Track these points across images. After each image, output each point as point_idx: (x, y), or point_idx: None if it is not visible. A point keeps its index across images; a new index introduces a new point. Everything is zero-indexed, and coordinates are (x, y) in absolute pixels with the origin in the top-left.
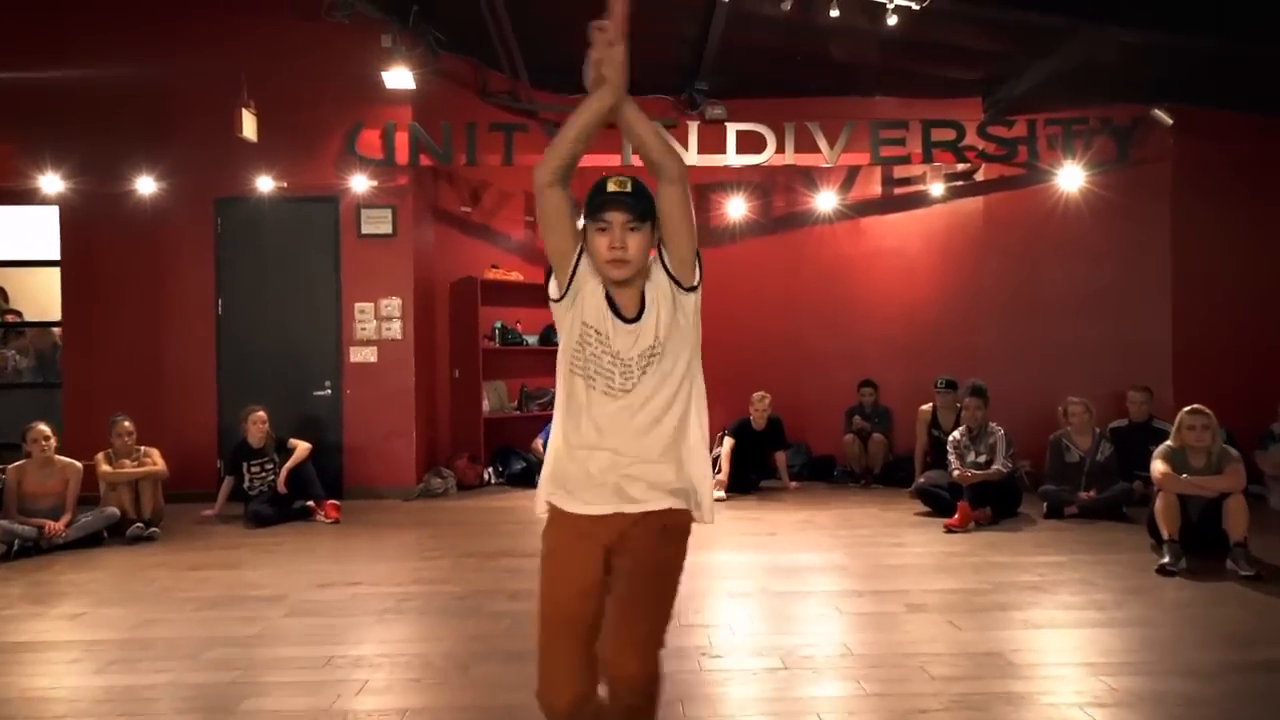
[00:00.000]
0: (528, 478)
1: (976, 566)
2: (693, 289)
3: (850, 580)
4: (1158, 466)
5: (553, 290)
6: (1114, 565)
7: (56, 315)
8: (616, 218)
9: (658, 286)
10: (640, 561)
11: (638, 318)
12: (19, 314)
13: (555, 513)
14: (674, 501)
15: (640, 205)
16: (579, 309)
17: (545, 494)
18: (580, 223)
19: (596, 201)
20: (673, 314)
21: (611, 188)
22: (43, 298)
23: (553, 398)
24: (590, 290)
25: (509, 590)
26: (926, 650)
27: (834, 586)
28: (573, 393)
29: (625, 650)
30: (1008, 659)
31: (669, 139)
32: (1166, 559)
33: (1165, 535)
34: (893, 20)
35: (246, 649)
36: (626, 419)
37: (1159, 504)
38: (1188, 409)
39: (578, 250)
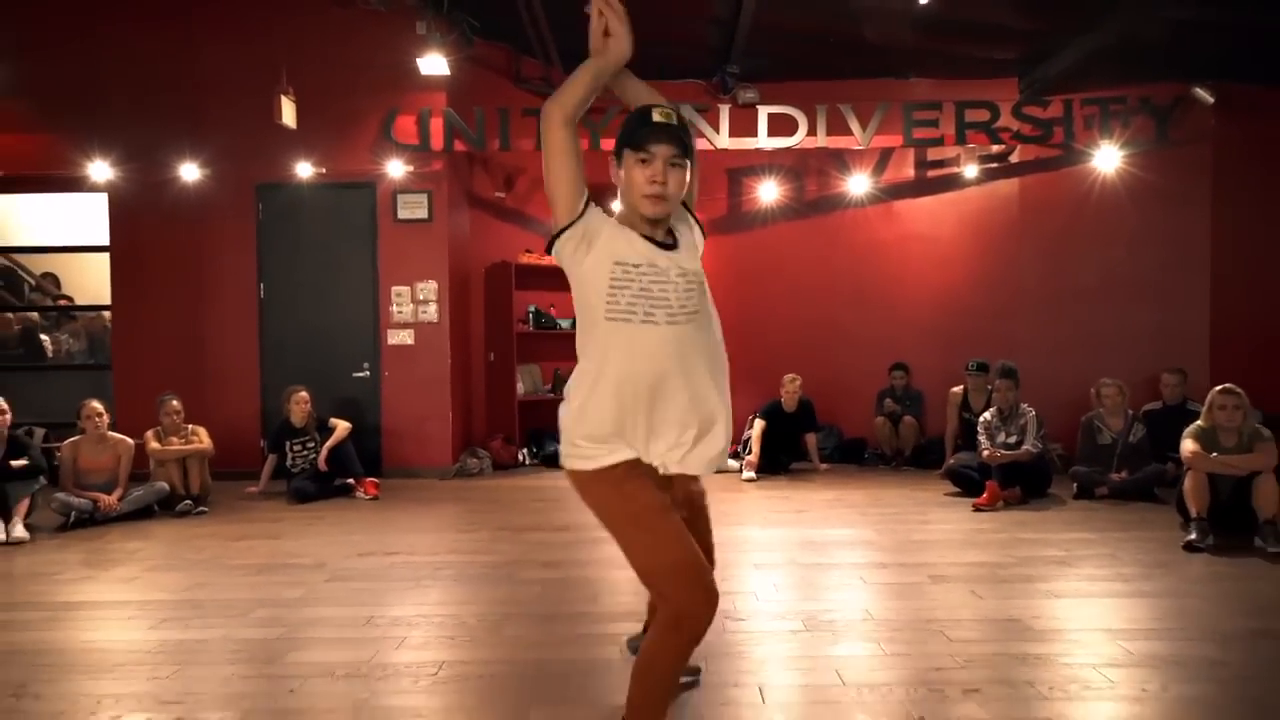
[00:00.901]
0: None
1: (1003, 542)
2: (701, 227)
3: (876, 554)
4: (1188, 445)
5: (562, 215)
6: (1141, 542)
7: (107, 299)
8: (662, 150)
9: (685, 223)
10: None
11: (673, 247)
12: (70, 299)
13: (602, 474)
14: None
15: (687, 139)
16: (602, 250)
17: (578, 464)
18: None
19: (642, 132)
20: (696, 254)
21: (658, 118)
22: (93, 283)
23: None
24: (609, 234)
25: (541, 560)
26: (947, 616)
27: (859, 559)
28: (613, 343)
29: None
30: (1027, 624)
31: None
32: (1193, 535)
33: (1193, 513)
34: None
35: (291, 609)
36: (699, 342)
37: (1188, 482)
38: (1219, 388)
39: (584, 196)
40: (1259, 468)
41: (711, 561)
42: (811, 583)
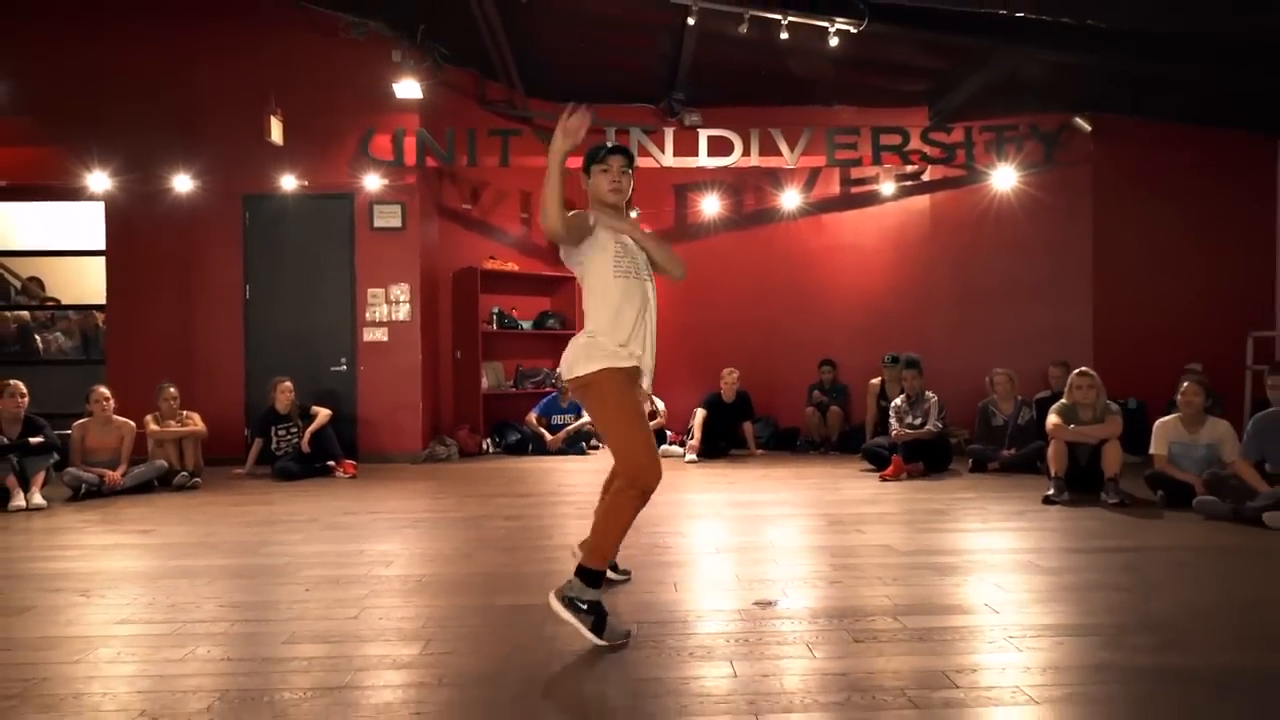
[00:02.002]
0: (522, 448)
1: (897, 500)
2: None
3: (790, 509)
4: (1051, 419)
5: (581, 239)
6: (1012, 500)
7: (94, 299)
8: (616, 161)
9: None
10: None
11: None
12: (56, 300)
13: (619, 372)
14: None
15: (631, 156)
16: (602, 234)
17: (608, 363)
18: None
19: (601, 153)
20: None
21: (610, 145)
22: (78, 284)
23: (545, 377)
24: (603, 224)
25: (504, 514)
26: (832, 544)
27: (773, 512)
28: (614, 292)
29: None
30: (893, 548)
31: (671, 252)
32: (1051, 491)
33: (1053, 473)
34: (834, 42)
35: (294, 547)
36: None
37: (1050, 449)
38: (1077, 371)
39: (589, 224)
40: (1106, 435)
41: None
42: (729, 526)
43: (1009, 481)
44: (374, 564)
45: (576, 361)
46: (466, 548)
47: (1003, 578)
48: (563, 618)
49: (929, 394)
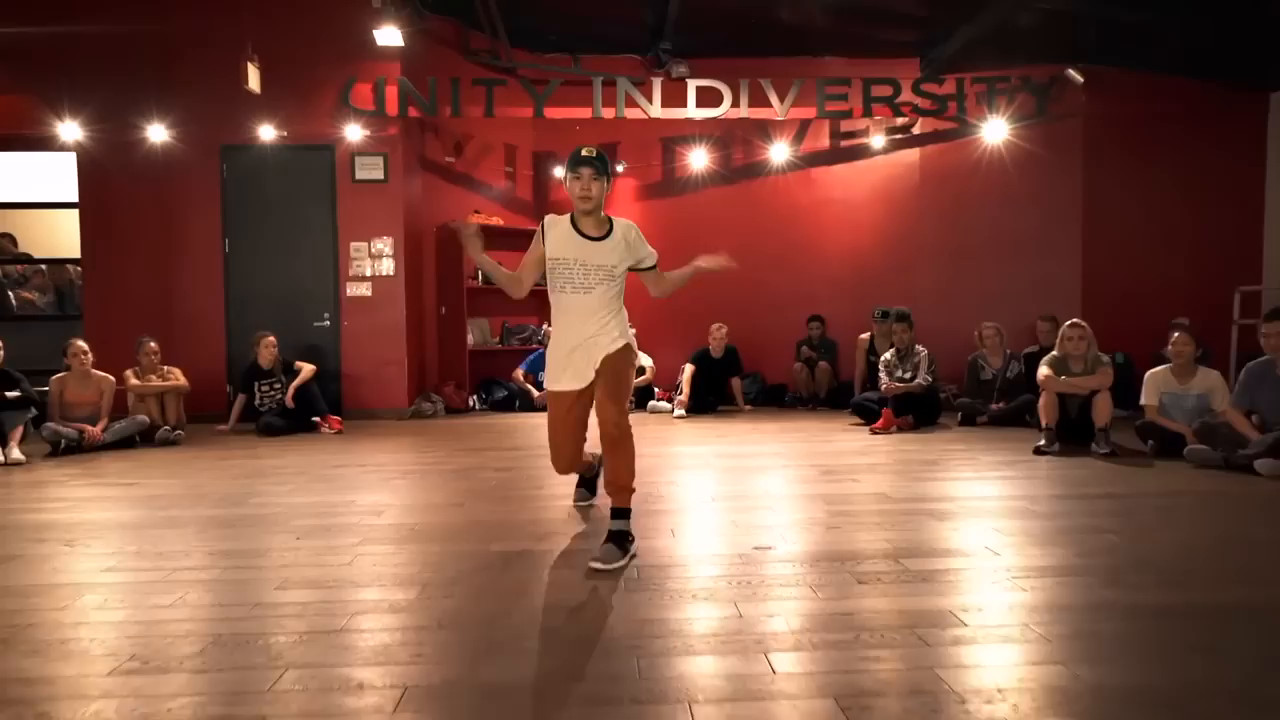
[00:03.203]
0: (509, 404)
1: (888, 452)
2: (632, 269)
3: (780, 460)
4: (1042, 370)
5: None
6: (1002, 451)
7: (67, 253)
8: (586, 171)
9: (624, 247)
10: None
11: (603, 238)
12: (28, 256)
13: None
14: (621, 342)
15: (601, 166)
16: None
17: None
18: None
19: (573, 162)
20: (624, 263)
21: (584, 154)
22: (51, 238)
23: (532, 333)
24: (553, 238)
25: (495, 467)
26: (826, 492)
27: (765, 464)
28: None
29: (606, 405)
30: (888, 496)
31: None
32: (1042, 442)
33: (1044, 424)
34: None
35: (283, 498)
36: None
37: (1041, 400)
38: (1069, 323)
39: (541, 251)
40: (1097, 386)
41: (619, 401)
42: (723, 477)
43: (998, 434)
44: (365, 514)
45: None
46: (458, 497)
47: (999, 522)
48: (616, 566)
49: (919, 348)
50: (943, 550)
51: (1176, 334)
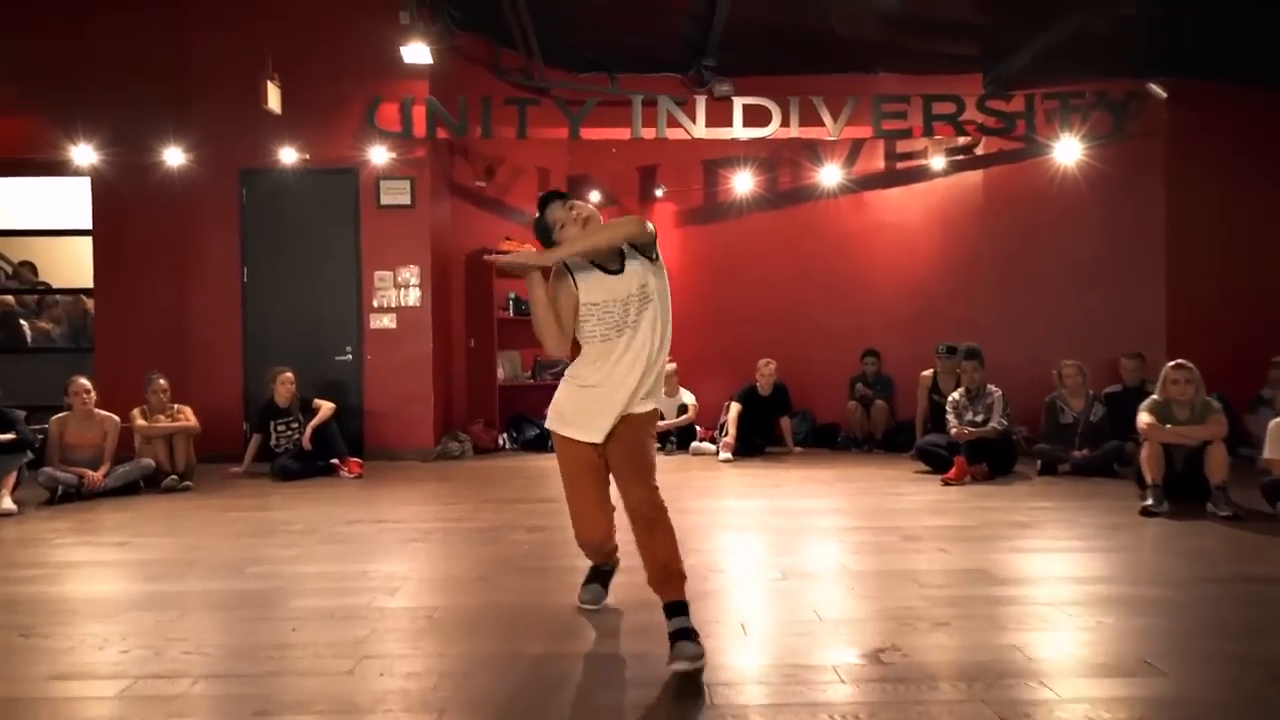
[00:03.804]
0: (541, 443)
1: (969, 510)
2: (657, 259)
3: (847, 519)
4: (1144, 418)
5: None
6: (1100, 510)
7: (85, 283)
8: (554, 210)
9: (637, 258)
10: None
11: (622, 268)
12: (47, 285)
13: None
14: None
15: (564, 196)
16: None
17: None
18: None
19: (556, 201)
20: (649, 273)
21: (556, 192)
22: (69, 267)
23: (564, 367)
24: (581, 279)
25: (526, 525)
26: (917, 568)
27: (831, 524)
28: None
29: (634, 485)
30: (991, 574)
31: (613, 228)
32: (1150, 501)
33: (1149, 480)
34: None
35: (286, 566)
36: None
37: (1144, 452)
38: (1172, 364)
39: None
40: (1210, 437)
41: (647, 477)
42: (785, 544)
43: (1086, 486)
44: (377, 591)
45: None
46: (484, 568)
47: (1139, 620)
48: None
49: (991, 388)
50: (1096, 666)
51: None
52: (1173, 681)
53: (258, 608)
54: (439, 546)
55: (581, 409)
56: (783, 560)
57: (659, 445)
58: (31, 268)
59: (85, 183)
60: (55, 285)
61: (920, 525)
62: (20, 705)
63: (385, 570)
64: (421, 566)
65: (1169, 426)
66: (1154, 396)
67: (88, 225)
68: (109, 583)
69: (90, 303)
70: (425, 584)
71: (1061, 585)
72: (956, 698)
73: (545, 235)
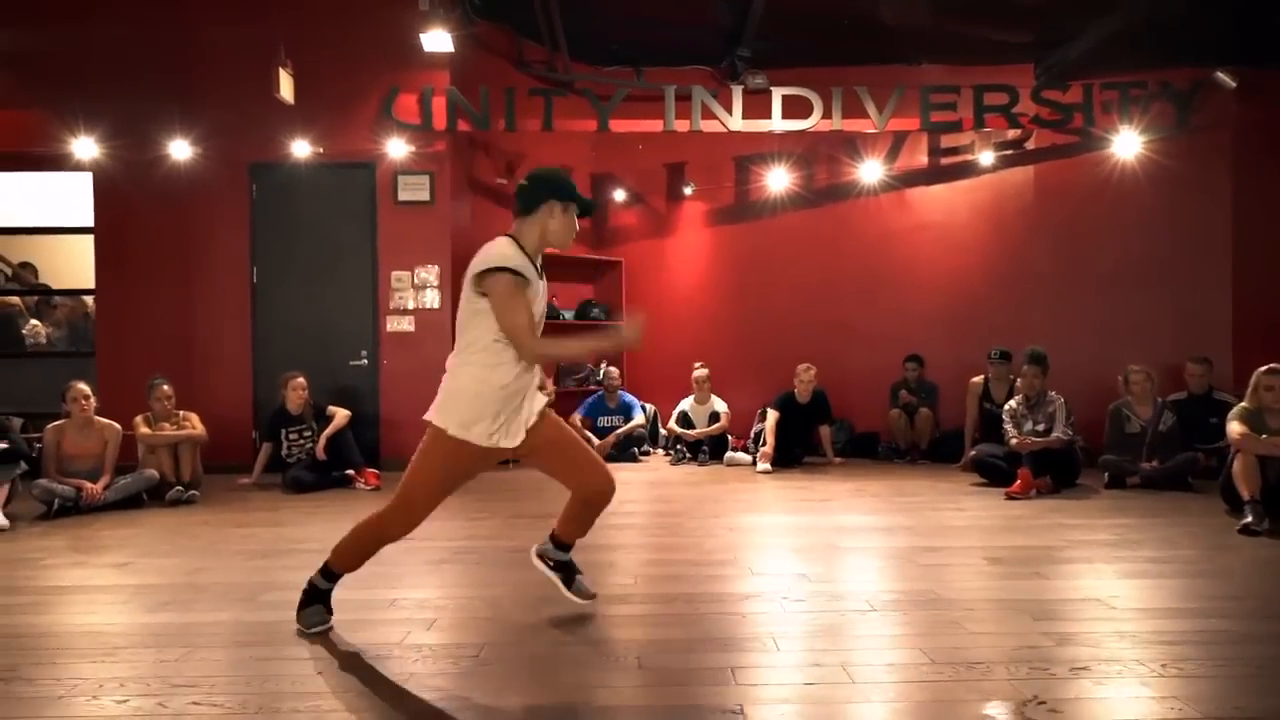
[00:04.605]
0: None
1: (1046, 527)
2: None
3: (915, 538)
4: (1235, 427)
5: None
6: (1191, 527)
7: (86, 284)
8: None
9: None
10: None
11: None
12: (46, 286)
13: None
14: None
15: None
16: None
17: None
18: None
19: (575, 194)
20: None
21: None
22: (69, 268)
23: (589, 374)
24: (532, 274)
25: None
26: (1019, 597)
27: (900, 543)
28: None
29: (600, 464)
30: (1107, 604)
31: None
32: (1250, 519)
33: (1246, 496)
34: None
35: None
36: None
37: (1237, 465)
38: (1264, 369)
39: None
40: None
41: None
42: (858, 565)
43: (1163, 501)
44: (411, 623)
45: None
46: (529, 597)
47: None
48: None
49: (1052, 395)
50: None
51: None
52: None
53: (274, 645)
54: (474, 569)
55: (512, 414)
56: (862, 587)
57: (689, 456)
58: (33, 269)
59: (86, 178)
60: (55, 284)
61: (999, 545)
62: None
63: (417, 598)
64: (458, 593)
65: (1265, 437)
66: (1244, 404)
67: (88, 222)
68: (104, 613)
69: (91, 303)
70: (465, 615)
71: (1189, 618)
72: None
73: (564, 191)
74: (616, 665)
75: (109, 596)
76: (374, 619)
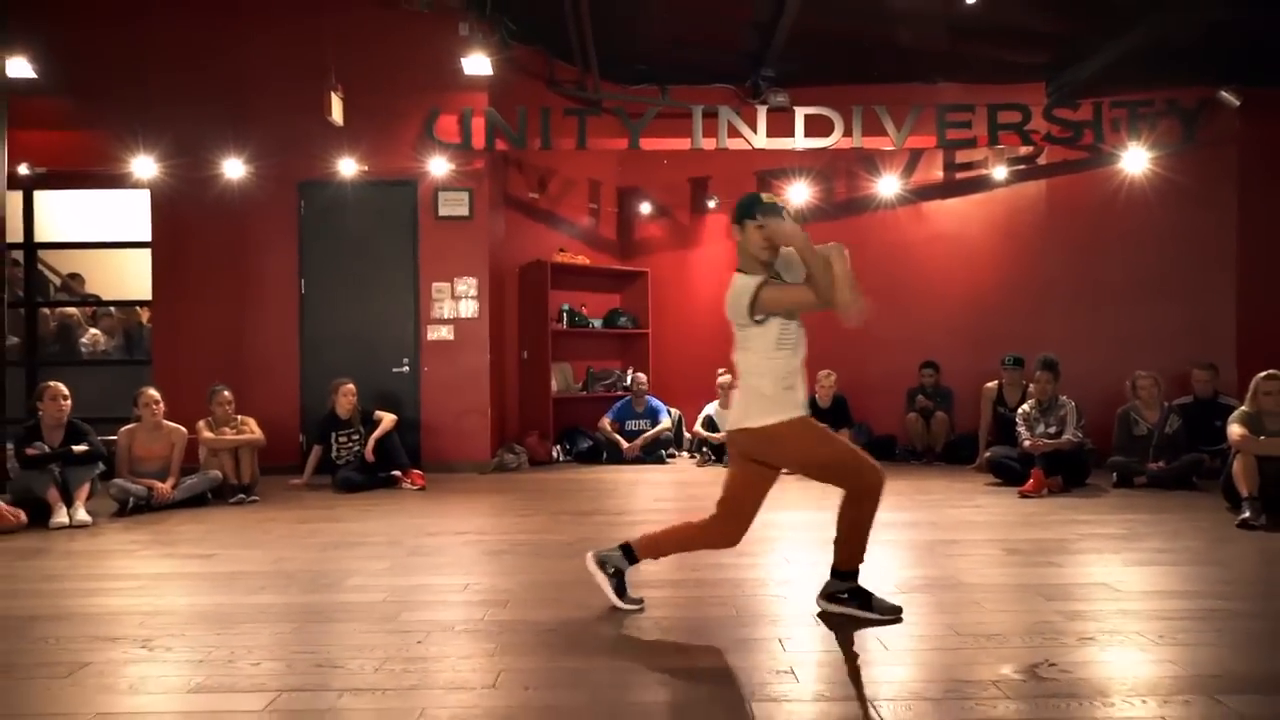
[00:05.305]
0: (594, 456)
1: (1059, 523)
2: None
3: (939, 532)
4: (1235, 429)
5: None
6: (1195, 522)
7: (135, 295)
8: (772, 219)
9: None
10: None
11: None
12: (97, 297)
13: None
14: None
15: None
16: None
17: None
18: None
19: (760, 208)
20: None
21: (768, 201)
22: (118, 279)
23: (617, 379)
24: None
25: (613, 538)
26: (1034, 582)
27: (924, 537)
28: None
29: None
30: (1115, 588)
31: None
32: (1248, 514)
33: (1245, 493)
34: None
35: (383, 578)
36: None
37: (1237, 465)
38: (1264, 374)
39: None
40: None
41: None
42: (888, 556)
43: (1168, 499)
44: (488, 605)
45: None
46: (580, 579)
47: None
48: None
49: (1063, 399)
50: (1260, 679)
51: None
52: None
53: (373, 621)
54: (531, 559)
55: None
56: (890, 574)
57: (714, 458)
58: (79, 279)
59: (143, 195)
60: (105, 297)
61: (1017, 539)
62: (171, 718)
63: (487, 583)
64: (522, 579)
65: (1263, 438)
66: (1244, 408)
67: (142, 237)
68: (210, 594)
69: (145, 314)
70: (533, 597)
71: (1188, 599)
72: (1134, 714)
73: (749, 210)
74: (674, 633)
75: (206, 582)
76: (453, 600)
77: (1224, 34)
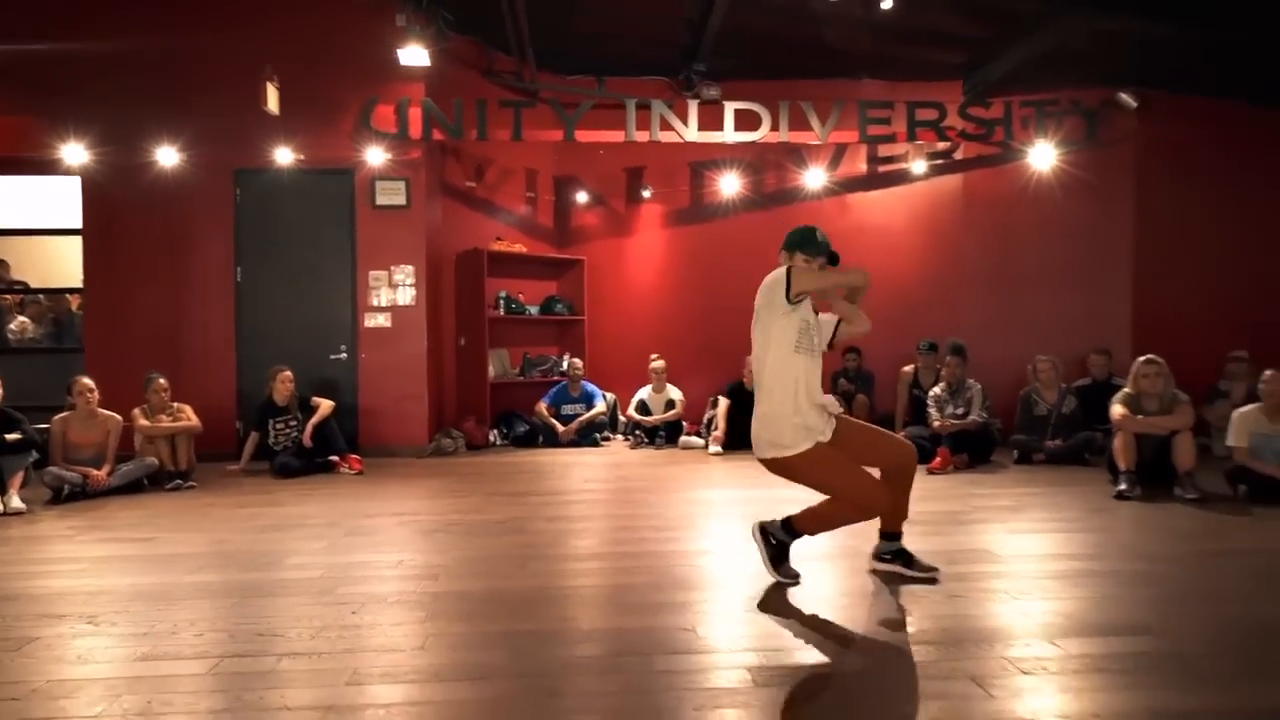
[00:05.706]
0: (530, 439)
1: (959, 496)
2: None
3: None
4: (1116, 409)
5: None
6: (1078, 495)
7: (65, 282)
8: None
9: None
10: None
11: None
12: (24, 284)
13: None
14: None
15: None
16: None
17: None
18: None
19: (818, 248)
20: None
21: (820, 237)
22: (45, 266)
23: (553, 364)
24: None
25: (544, 516)
26: (921, 548)
27: None
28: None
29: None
30: (992, 552)
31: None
32: (1123, 486)
33: (1122, 467)
34: (888, 3)
35: (322, 557)
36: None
37: (1117, 441)
38: (1143, 359)
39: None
40: (1178, 427)
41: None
42: None
43: (1061, 474)
44: (419, 580)
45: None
46: (516, 555)
47: (1137, 589)
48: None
49: (971, 382)
50: (1098, 626)
51: (1269, 372)
52: (1169, 639)
53: (311, 595)
54: (464, 537)
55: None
56: (800, 546)
57: (648, 440)
58: (5, 265)
59: (74, 182)
60: (32, 284)
61: (915, 511)
62: (121, 683)
63: (420, 560)
64: (454, 555)
65: (1140, 417)
66: (1126, 389)
67: (70, 224)
68: (152, 574)
69: (75, 301)
70: (464, 571)
71: (1058, 561)
72: (981, 655)
73: (804, 243)
74: (594, 600)
75: (147, 563)
76: (387, 575)
77: (1118, 40)
